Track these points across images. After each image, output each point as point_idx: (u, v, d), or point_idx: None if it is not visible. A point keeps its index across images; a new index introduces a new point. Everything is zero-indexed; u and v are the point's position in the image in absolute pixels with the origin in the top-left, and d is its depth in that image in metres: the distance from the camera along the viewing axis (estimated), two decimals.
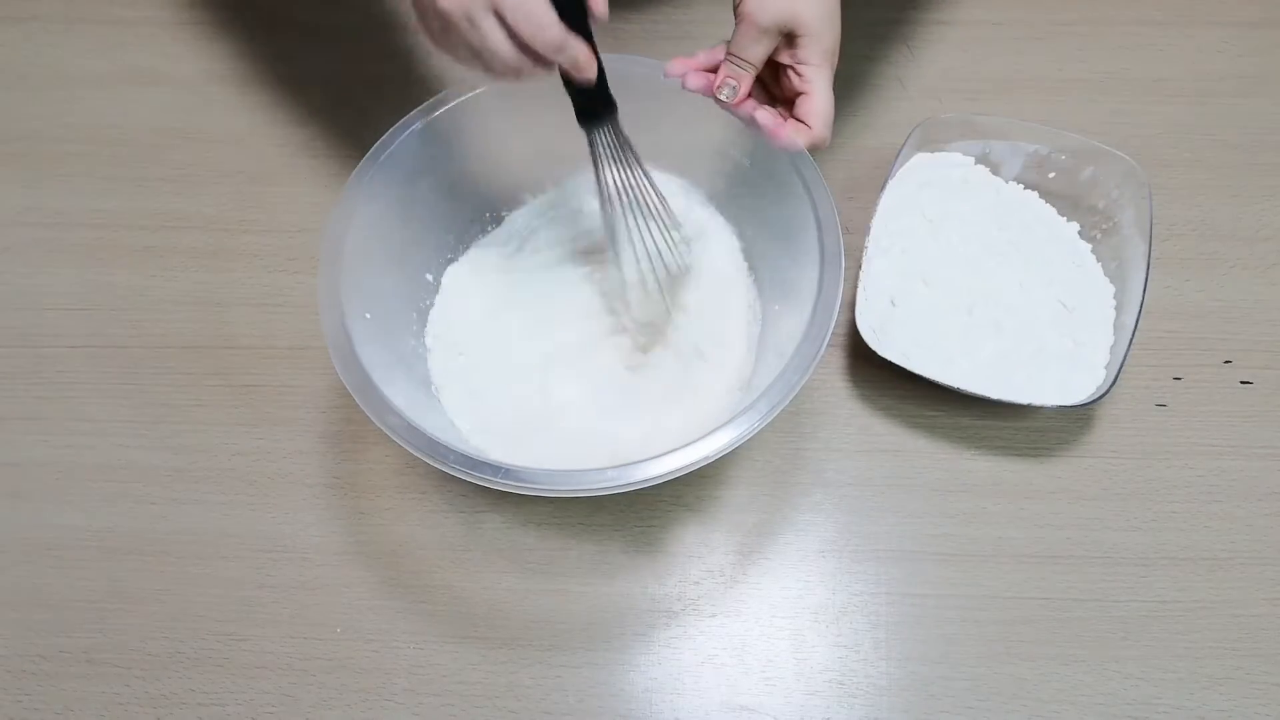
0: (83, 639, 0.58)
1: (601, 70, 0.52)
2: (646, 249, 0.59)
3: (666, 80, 0.57)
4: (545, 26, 0.46)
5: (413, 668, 0.57)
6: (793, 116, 0.56)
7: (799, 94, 0.56)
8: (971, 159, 0.69)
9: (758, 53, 0.55)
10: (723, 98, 0.56)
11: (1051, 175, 0.69)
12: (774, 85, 0.59)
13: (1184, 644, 0.56)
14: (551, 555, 0.60)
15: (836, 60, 0.56)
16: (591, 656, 0.57)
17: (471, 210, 0.66)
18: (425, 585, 0.59)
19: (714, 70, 0.57)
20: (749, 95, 0.56)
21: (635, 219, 0.58)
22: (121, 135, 0.77)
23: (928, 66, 0.78)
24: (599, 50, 0.51)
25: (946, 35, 0.80)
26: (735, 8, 0.55)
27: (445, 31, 0.48)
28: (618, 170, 0.56)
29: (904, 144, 0.67)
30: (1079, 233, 0.67)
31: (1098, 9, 0.81)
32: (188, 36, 0.82)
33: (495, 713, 0.55)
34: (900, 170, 0.67)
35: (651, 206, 0.58)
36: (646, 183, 0.58)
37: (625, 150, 0.56)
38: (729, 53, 0.56)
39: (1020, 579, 0.58)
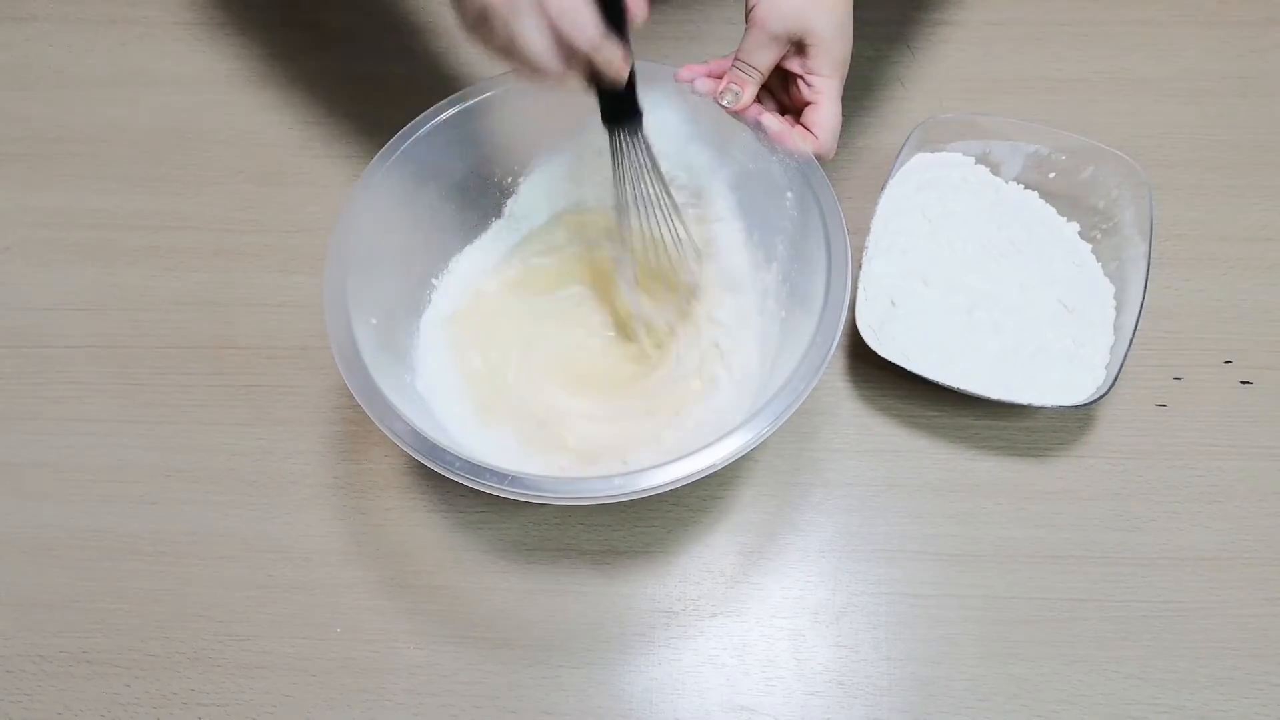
0: (83, 639, 0.58)
1: (633, 75, 0.51)
2: (658, 252, 0.59)
3: (676, 83, 0.57)
4: (586, 24, 0.46)
5: (413, 668, 0.57)
6: (800, 124, 0.56)
7: (807, 104, 0.55)
8: (971, 159, 0.69)
9: (765, 59, 0.55)
10: (724, 103, 0.56)
11: (1051, 175, 0.69)
12: (783, 94, 0.59)
13: (1184, 644, 0.56)
14: (552, 555, 0.60)
15: (846, 72, 0.56)
16: (591, 656, 0.57)
17: (479, 214, 0.66)
18: (425, 585, 0.59)
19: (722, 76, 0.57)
20: (753, 101, 0.56)
21: (650, 225, 0.58)
22: (121, 135, 0.77)
23: (928, 66, 0.78)
24: (632, 55, 0.50)
25: (947, 35, 0.80)
26: (747, 12, 0.54)
27: (482, 21, 0.47)
28: (636, 175, 0.56)
29: (904, 144, 0.67)
30: (1079, 233, 0.67)
31: (1098, 9, 0.81)
32: (188, 36, 0.82)
33: (495, 713, 0.55)
34: (900, 170, 0.67)
35: (667, 215, 0.58)
36: (664, 192, 0.57)
37: (646, 157, 0.56)
38: (736, 58, 0.55)
39: (1020, 579, 0.58)
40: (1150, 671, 0.56)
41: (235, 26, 0.83)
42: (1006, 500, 0.61)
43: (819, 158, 0.55)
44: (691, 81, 0.57)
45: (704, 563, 0.59)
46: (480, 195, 0.65)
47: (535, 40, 0.46)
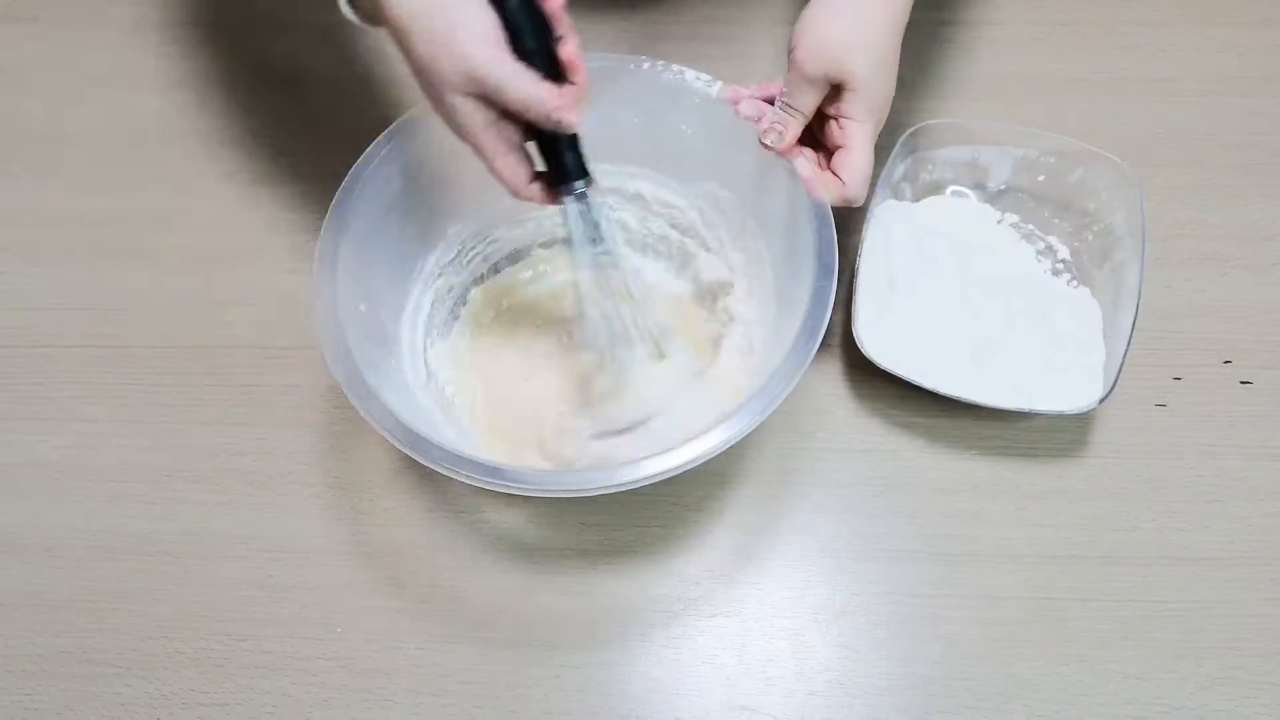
0: (83, 639, 0.58)
1: (577, 137, 0.50)
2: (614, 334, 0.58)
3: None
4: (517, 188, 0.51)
5: (413, 668, 0.57)
6: (830, 168, 0.55)
7: (838, 147, 0.55)
8: (963, 164, 0.69)
9: (806, 102, 0.54)
10: (768, 143, 0.55)
11: (1041, 179, 0.68)
12: (820, 133, 0.58)
13: (1184, 644, 0.56)
14: (552, 555, 0.60)
15: (885, 117, 0.55)
16: (591, 656, 0.57)
17: (476, 203, 0.65)
18: (425, 585, 0.59)
19: (768, 100, 0.56)
20: (795, 141, 0.55)
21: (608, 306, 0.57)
22: (122, 135, 0.77)
23: (925, 67, 0.78)
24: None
25: (944, 36, 0.80)
26: (789, 52, 0.54)
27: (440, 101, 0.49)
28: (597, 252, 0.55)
29: (895, 149, 0.66)
30: (1072, 235, 0.67)
31: (1098, 9, 0.81)
32: (187, 37, 0.82)
33: (495, 713, 0.55)
34: (893, 176, 0.67)
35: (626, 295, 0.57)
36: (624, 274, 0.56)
37: (602, 227, 0.54)
38: (781, 96, 0.55)
39: (1020, 579, 0.58)
40: (1150, 671, 0.56)
41: (234, 26, 0.82)
42: (1006, 500, 0.61)
43: (848, 202, 0.54)
44: (736, 103, 0.57)
45: (704, 563, 0.59)
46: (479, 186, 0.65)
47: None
